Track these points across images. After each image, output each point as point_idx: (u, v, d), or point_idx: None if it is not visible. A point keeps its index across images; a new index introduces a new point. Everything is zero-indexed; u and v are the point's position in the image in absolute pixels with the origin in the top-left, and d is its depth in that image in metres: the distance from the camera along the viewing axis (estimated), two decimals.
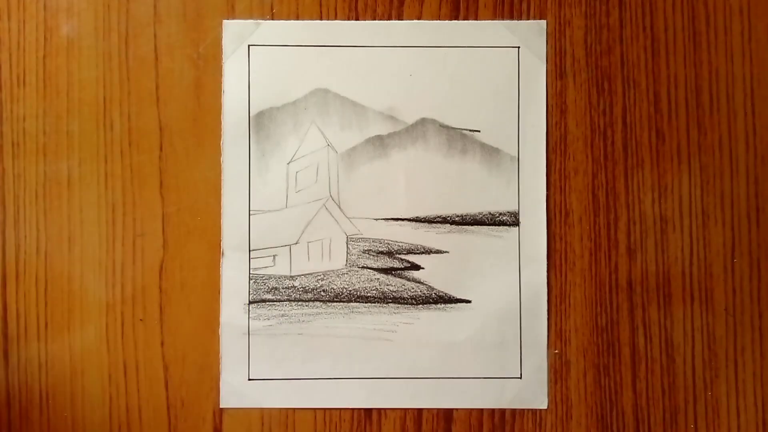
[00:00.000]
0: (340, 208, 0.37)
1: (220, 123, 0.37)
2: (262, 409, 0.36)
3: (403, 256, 0.37)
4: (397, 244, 0.37)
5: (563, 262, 0.37)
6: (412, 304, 0.37)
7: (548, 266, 0.37)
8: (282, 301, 0.36)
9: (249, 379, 0.36)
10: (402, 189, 0.37)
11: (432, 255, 0.37)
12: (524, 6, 0.37)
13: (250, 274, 0.36)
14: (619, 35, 0.37)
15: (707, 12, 0.37)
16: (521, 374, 0.36)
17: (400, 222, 0.37)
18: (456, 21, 0.37)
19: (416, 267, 0.37)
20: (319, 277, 0.37)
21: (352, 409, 0.36)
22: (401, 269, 0.37)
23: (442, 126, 0.37)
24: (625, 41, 0.37)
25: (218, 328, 0.36)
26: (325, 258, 0.37)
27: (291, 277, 0.37)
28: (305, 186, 0.37)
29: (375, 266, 0.37)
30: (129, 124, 0.37)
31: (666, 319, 0.37)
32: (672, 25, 0.37)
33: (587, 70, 0.37)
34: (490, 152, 0.37)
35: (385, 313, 0.37)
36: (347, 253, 0.37)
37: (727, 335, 0.37)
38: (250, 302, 0.36)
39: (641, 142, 0.37)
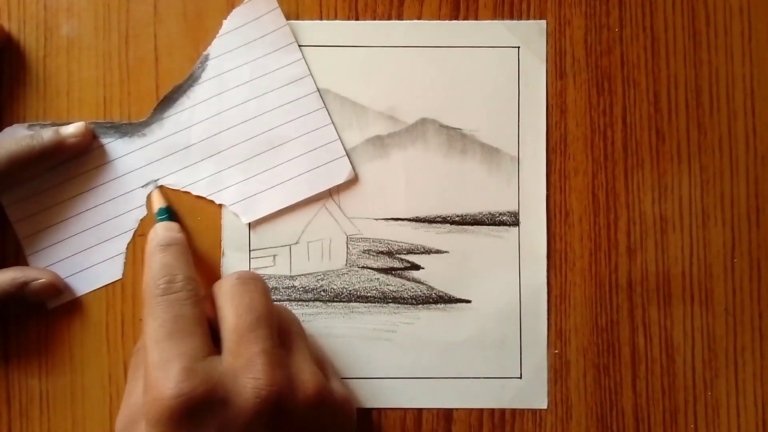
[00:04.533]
0: (340, 208, 0.37)
1: None
2: None
3: (403, 256, 0.37)
4: (397, 244, 0.37)
5: (563, 262, 0.37)
6: (412, 304, 0.37)
7: (548, 266, 0.37)
8: (282, 301, 0.36)
9: None
10: (402, 189, 0.37)
11: (432, 255, 0.37)
12: (524, 6, 0.37)
13: None
14: (619, 35, 0.37)
15: (707, 12, 0.37)
16: (521, 374, 0.36)
17: (400, 222, 0.37)
18: (456, 21, 0.37)
19: (416, 267, 0.37)
20: (319, 277, 0.37)
21: None
22: (401, 269, 0.37)
23: (442, 126, 0.37)
24: (625, 41, 0.37)
25: None
26: (325, 258, 0.37)
27: (291, 277, 0.37)
28: None
29: (375, 266, 0.37)
30: None
31: (666, 319, 0.37)
32: (672, 25, 0.37)
33: (587, 70, 0.37)
34: (490, 152, 0.37)
35: (385, 313, 0.37)
36: (347, 253, 0.37)
37: (727, 335, 0.37)
38: None
39: (641, 142, 0.37)
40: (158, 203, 0.35)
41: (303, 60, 0.36)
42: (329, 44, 0.37)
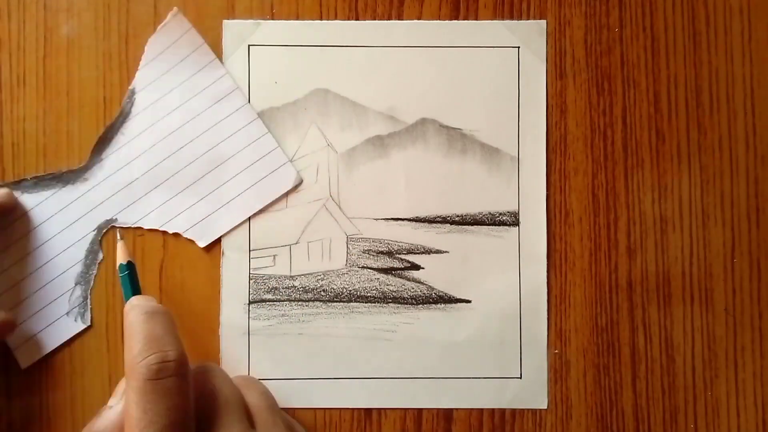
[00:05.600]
0: (340, 208, 0.37)
1: None
2: None
3: (403, 256, 0.37)
4: (397, 244, 0.37)
5: (563, 262, 0.37)
6: (412, 304, 0.37)
7: (548, 266, 0.37)
8: (282, 301, 0.36)
9: None
10: (402, 189, 0.37)
11: (432, 255, 0.37)
12: (524, 6, 0.37)
13: (250, 274, 0.36)
14: (619, 35, 0.37)
15: (707, 12, 0.37)
16: (521, 374, 0.36)
17: (400, 222, 0.37)
18: (456, 21, 0.37)
19: (416, 267, 0.37)
20: (319, 277, 0.37)
21: (352, 409, 0.36)
22: (401, 269, 0.37)
23: (442, 126, 0.37)
24: (625, 41, 0.37)
25: (218, 328, 0.36)
26: (325, 258, 0.37)
27: (291, 277, 0.37)
28: (305, 186, 0.37)
29: (375, 266, 0.37)
30: None
31: (666, 319, 0.37)
32: (672, 25, 0.37)
33: (587, 70, 0.37)
34: (490, 152, 0.37)
35: (385, 313, 0.37)
36: (347, 253, 0.37)
37: (727, 335, 0.37)
38: (250, 302, 0.36)
39: (641, 142, 0.37)
40: (120, 258, 0.34)
41: (228, 75, 0.36)
42: (329, 44, 0.37)
